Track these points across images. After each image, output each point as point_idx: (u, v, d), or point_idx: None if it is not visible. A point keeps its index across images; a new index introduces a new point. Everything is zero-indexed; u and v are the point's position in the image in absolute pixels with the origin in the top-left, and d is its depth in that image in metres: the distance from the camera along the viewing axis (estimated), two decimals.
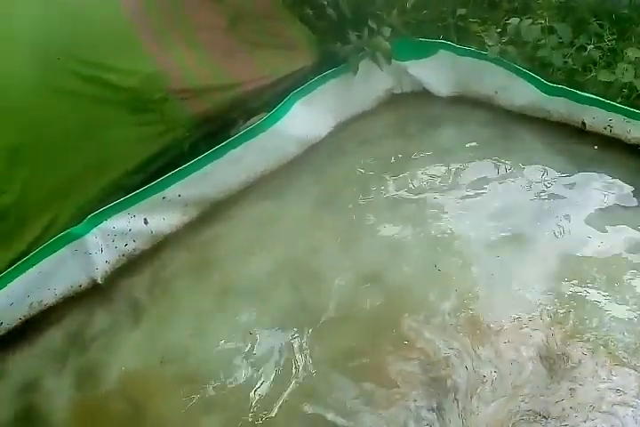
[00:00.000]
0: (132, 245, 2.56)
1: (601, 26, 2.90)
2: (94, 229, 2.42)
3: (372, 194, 2.70)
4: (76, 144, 2.48)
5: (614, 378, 1.92)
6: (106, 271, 2.52)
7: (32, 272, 2.32)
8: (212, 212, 2.74)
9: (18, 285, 2.29)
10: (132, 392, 2.19)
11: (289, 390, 2.08)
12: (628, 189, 2.44)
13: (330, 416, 1.99)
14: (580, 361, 1.96)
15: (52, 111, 2.44)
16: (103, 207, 2.44)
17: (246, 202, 2.80)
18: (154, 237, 2.61)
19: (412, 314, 2.19)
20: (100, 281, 2.50)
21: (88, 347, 2.37)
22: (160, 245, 2.63)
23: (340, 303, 2.31)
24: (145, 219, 2.56)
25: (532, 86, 2.66)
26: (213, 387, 2.14)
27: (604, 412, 1.85)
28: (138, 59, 2.54)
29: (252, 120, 2.75)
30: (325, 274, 2.41)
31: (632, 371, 1.92)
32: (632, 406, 1.86)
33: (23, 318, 2.41)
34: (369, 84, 3.05)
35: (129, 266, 2.57)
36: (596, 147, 2.59)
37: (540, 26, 2.83)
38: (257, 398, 2.09)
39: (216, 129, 2.77)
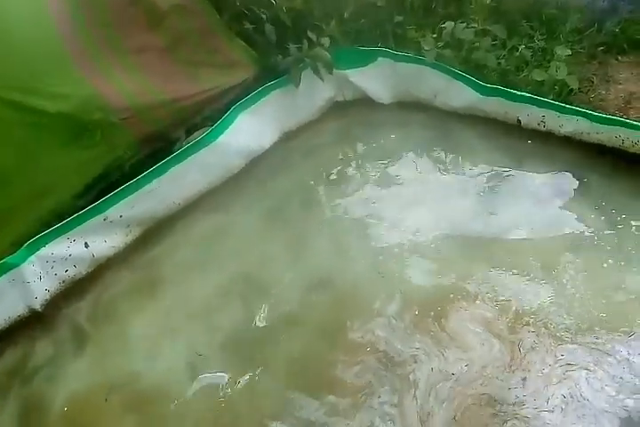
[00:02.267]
0: (72, 271, 2.47)
1: (531, 27, 2.99)
2: (32, 257, 2.33)
3: (318, 203, 2.69)
4: (12, 174, 2.40)
5: (563, 357, 1.94)
6: (46, 299, 2.41)
7: None
8: (156, 230, 2.68)
9: None
10: (80, 421, 2.09)
11: (248, 412, 2.01)
12: (563, 179, 2.49)
13: None
14: (532, 348, 1.97)
15: None
16: (41, 233, 2.35)
17: (192, 218, 2.74)
18: (95, 260, 2.52)
19: (363, 319, 2.17)
20: (40, 310, 2.39)
21: (31, 379, 2.26)
22: (102, 268, 2.55)
23: (291, 315, 2.27)
24: (85, 242, 2.47)
25: (469, 88, 2.70)
26: (165, 410, 2.06)
27: (558, 382, 1.87)
28: (72, 83, 2.47)
29: (195, 135, 2.71)
30: (274, 286, 2.37)
31: (577, 346, 1.95)
32: (585, 369, 1.89)
33: None
34: (311, 93, 3.05)
35: (70, 292, 2.48)
36: (530, 141, 2.65)
37: (473, 29, 2.90)
38: (214, 420, 2.01)
39: (159, 147, 2.73)
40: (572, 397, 1.84)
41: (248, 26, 2.89)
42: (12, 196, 2.39)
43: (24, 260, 2.30)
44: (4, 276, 2.27)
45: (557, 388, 1.86)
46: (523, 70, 2.78)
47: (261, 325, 2.25)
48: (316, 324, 2.21)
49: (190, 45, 2.74)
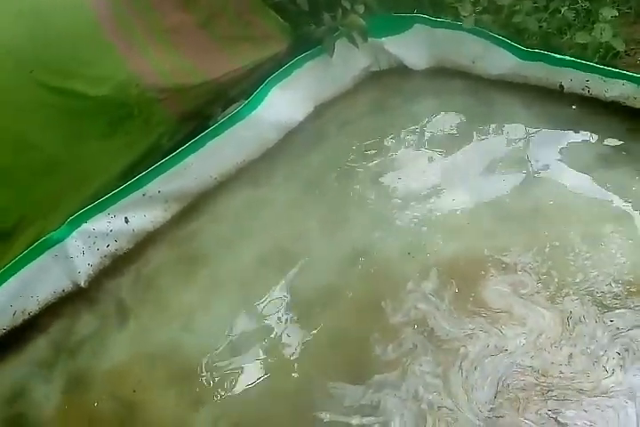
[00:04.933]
0: (113, 246, 2.49)
1: None
2: (74, 233, 2.35)
3: (355, 175, 2.64)
4: (58, 160, 2.41)
5: (612, 323, 1.89)
6: (89, 274, 2.44)
7: (13, 281, 2.25)
8: (194, 205, 2.68)
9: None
10: (124, 393, 2.13)
11: (291, 399, 1.99)
12: (609, 146, 2.40)
13: (355, 421, 1.89)
14: (579, 320, 1.92)
15: (28, 127, 2.35)
16: (82, 210, 2.37)
17: (228, 192, 2.74)
18: (136, 235, 2.54)
19: (402, 296, 2.13)
20: (83, 285, 2.43)
21: (76, 352, 2.31)
22: (143, 243, 2.56)
23: (329, 290, 2.24)
24: (125, 217, 2.49)
25: (509, 53, 2.60)
26: (205, 383, 2.09)
27: (610, 345, 1.83)
28: (110, 64, 2.46)
29: (230, 109, 2.68)
30: (312, 260, 2.36)
31: (626, 310, 1.91)
32: (638, 327, 1.84)
33: (7, 329, 2.33)
34: (346, 64, 2.98)
35: (112, 267, 2.50)
36: (573, 107, 2.55)
37: None
38: (253, 396, 2.02)
39: (197, 124, 2.71)
40: (627, 351, 1.81)
41: None
42: (59, 181, 2.40)
43: (67, 235, 2.33)
44: (47, 251, 2.30)
45: (611, 350, 1.82)
46: (566, 33, 2.67)
47: (299, 298, 2.24)
48: (353, 299, 2.19)
49: (225, 21, 2.69)
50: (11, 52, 2.34)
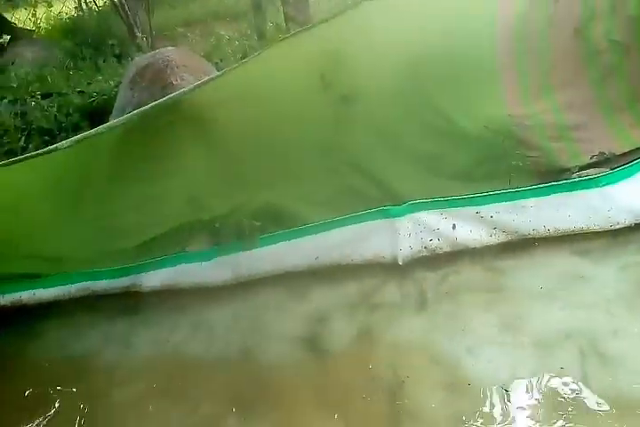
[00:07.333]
0: (435, 243, 2.73)
1: None
2: (409, 215, 2.71)
3: None
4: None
5: None
6: (407, 256, 2.69)
7: (349, 229, 2.72)
8: (518, 244, 2.73)
9: (336, 234, 2.73)
10: (396, 365, 2.26)
11: None
12: None
13: None
14: None
15: (393, 128, 2.75)
16: (423, 200, 2.72)
17: (557, 250, 2.70)
18: (456, 244, 2.73)
19: None
20: (400, 262, 2.68)
21: (373, 311, 2.54)
22: (459, 254, 2.73)
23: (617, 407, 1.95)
24: (454, 224, 2.72)
25: None
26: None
27: None
28: (492, 105, 2.74)
29: (589, 172, 2.73)
30: (621, 365, 2.11)
31: None
32: None
33: (333, 263, 2.73)
34: None
35: (427, 260, 2.71)
36: None
37: None
38: None
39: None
40: None
41: None
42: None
43: (403, 214, 2.72)
44: (383, 219, 2.70)
45: None
46: None
47: (585, 400, 2.04)
48: None
49: (616, 88, 2.74)
50: (411, 60, 2.69)
